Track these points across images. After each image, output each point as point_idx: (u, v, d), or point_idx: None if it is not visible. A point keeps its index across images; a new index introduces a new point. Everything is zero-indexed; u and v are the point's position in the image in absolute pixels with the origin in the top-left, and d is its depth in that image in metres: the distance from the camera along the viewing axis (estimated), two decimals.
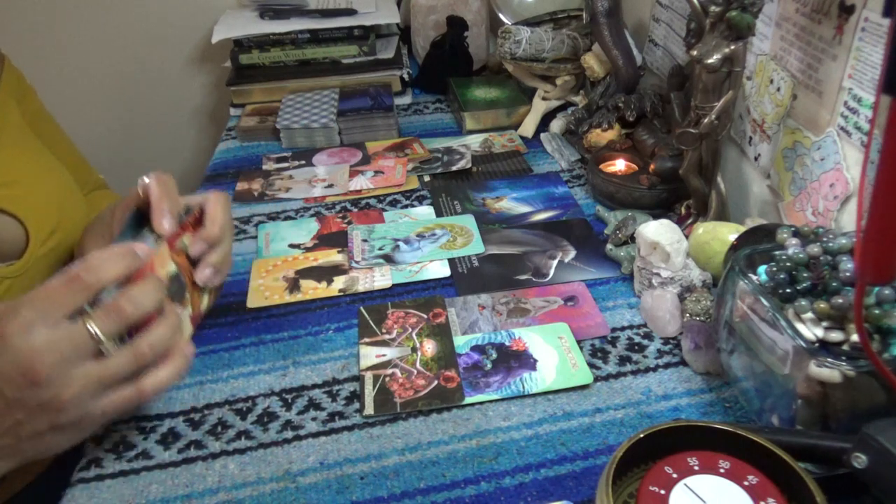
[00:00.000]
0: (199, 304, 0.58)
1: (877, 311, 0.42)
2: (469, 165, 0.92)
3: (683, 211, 0.76)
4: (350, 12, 1.12)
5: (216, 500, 0.49)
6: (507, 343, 0.62)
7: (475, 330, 0.64)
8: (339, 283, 0.71)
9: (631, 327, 0.64)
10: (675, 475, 0.41)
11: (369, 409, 0.56)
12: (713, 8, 0.62)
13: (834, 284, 0.44)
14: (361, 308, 0.67)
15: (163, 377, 0.48)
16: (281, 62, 1.12)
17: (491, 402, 0.56)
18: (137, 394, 0.47)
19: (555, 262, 0.72)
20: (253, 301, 0.68)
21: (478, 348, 0.61)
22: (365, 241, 0.77)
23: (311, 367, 0.61)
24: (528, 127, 1.01)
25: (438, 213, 0.82)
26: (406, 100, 1.14)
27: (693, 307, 0.61)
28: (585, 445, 0.52)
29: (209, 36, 1.12)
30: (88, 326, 0.45)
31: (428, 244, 0.76)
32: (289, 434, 0.54)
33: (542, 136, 0.99)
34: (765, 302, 0.46)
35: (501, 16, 1.18)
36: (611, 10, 0.88)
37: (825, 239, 0.46)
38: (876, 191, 0.33)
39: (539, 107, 1.01)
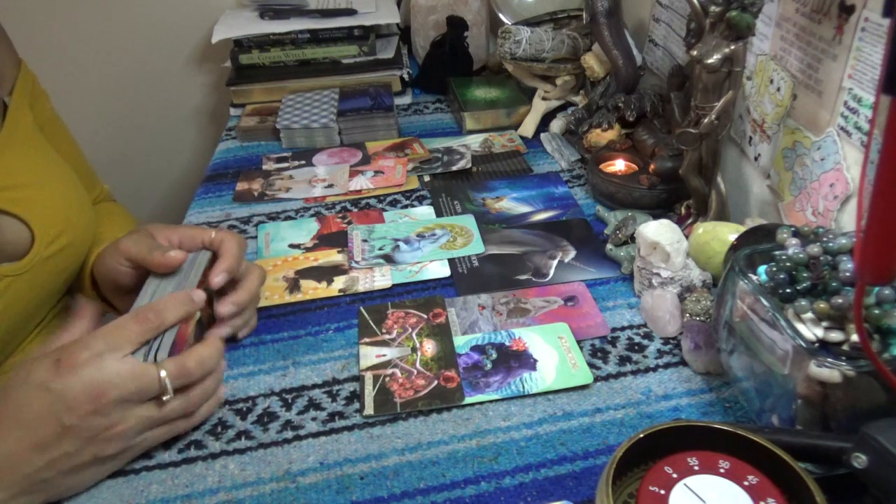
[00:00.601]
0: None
1: (877, 311, 0.42)
2: (469, 165, 0.92)
3: (683, 211, 0.76)
4: (350, 12, 1.12)
5: (216, 500, 0.49)
6: (507, 343, 0.62)
7: (475, 330, 0.64)
8: (339, 283, 0.71)
9: (631, 327, 0.64)
10: (675, 475, 0.41)
11: (369, 409, 0.56)
12: (713, 8, 0.62)
13: (834, 284, 0.44)
14: (361, 308, 0.67)
15: (201, 416, 0.54)
16: (281, 62, 1.12)
17: (491, 402, 0.56)
18: (172, 431, 0.53)
19: (555, 262, 0.72)
20: None
21: (478, 348, 0.61)
22: (365, 241, 0.77)
23: (311, 367, 0.61)
24: (528, 127, 1.01)
25: (438, 213, 0.82)
26: (406, 100, 1.14)
27: (693, 307, 0.61)
28: (585, 445, 0.52)
29: (209, 36, 1.12)
30: (161, 374, 0.49)
31: (428, 244, 0.76)
32: (289, 434, 0.54)
33: (542, 136, 0.99)
34: (765, 302, 0.46)
35: (501, 16, 1.18)
36: (611, 10, 0.88)
37: (825, 239, 0.46)
38: (876, 191, 0.33)
39: (539, 107, 1.01)
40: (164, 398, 0.49)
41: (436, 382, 0.58)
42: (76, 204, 0.69)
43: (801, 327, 0.44)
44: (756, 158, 0.73)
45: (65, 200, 0.67)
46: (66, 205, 0.67)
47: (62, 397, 0.45)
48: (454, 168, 0.92)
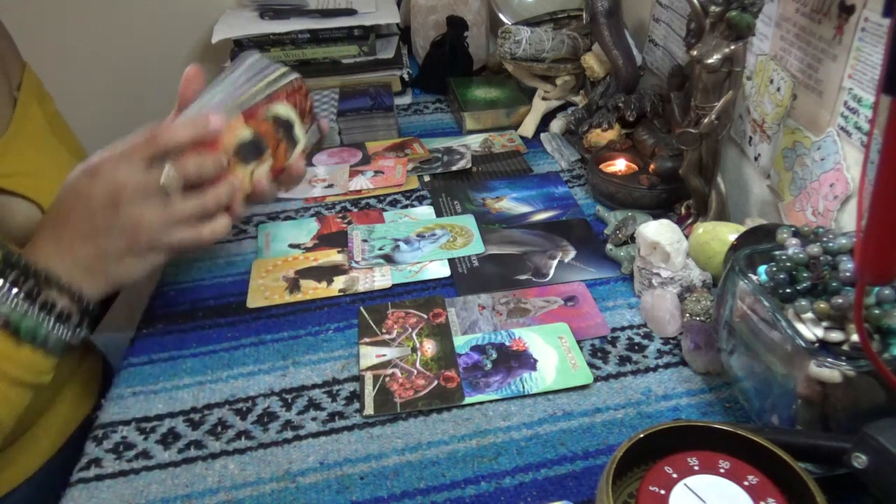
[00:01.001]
0: (286, 157, 0.66)
1: (877, 311, 0.42)
2: (469, 165, 0.92)
3: (683, 211, 0.76)
4: (350, 12, 1.12)
5: (216, 500, 0.49)
6: (507, 343, 0.62)
7: (475, 330, 0.64)
8: (339, 283, 0.71)
9: (631, 327, 0.64)
10: (675, 475, 0.41)
11: (369, 409, 0.56)
12: (713, 8, 0.62)
13: (834, 284, 0.44)
14: (361, 308, 0.67)
15: (218, 226, 0.61)
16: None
17: (491, 402, 0.56)
18: (198, 234, 0.60)
19: (555, 262, 0.72)
20: (253, 301, 0.69)
21: (478, 348, 0.61)
22: (365, 241, 0.77)
23: (311, 367, 0.61)
24: (528, 127, 1.01)
25: (438, 213, 0.82)
26: (406, 100, 1.14)
27: (693, 307, 0.61)
28: (585, 445, 0.52)
29: (209, 36, 1.12)
30: (162, 175, 0.57)
31: (428, 244, 0.76)
32: (289, 434, 0.54)
33: (542, 136, 0.99)
34: (765, 302, 0.46)
35: (501, 16, 1.18)
36: (611, 10, 0.88)
37: (825, 239, 0.46)
38: (876, 191, 0.33)
39: (539, 107, 1.01)
40: (169, 195, 0.57)
41: (436, 382, 0.58)
42: None
43: (801, 327, 0.44)
44: (756, 158, 0.73)
45: None
46: None
47: (91, 198, 0.57)
48: (454, 168, 0.92)
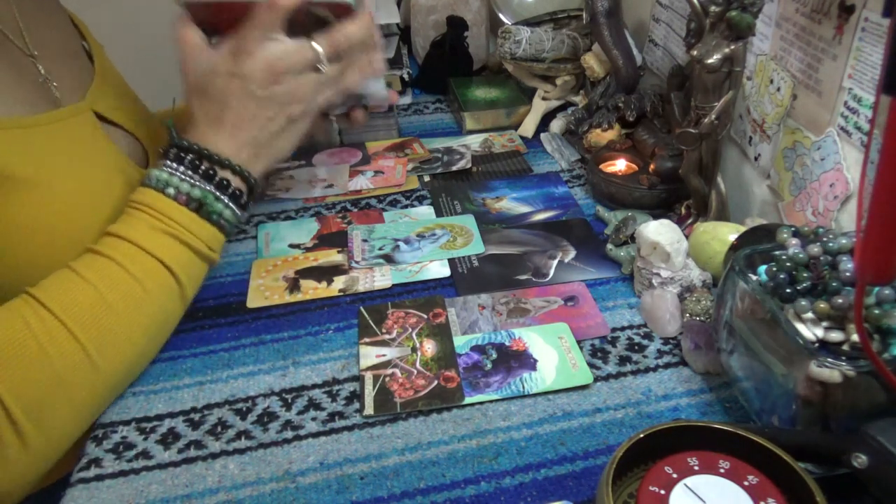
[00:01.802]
0: None
1: (877, 312, 0.42)
2: (469, 165, 0.92)
3: (683, 211, 0.76)
4: None
5: (216, 500, 0.49)
6: (507, 343, 0.62)
7: (475, 330, 0.64)
8: (339, 283, 0.71)
9: (631, 327, 0.64)
10: (675, 475, 0.41)
11: (369, 409, 0.56)
12: (713, 8, 0.62)
13: (834, 284, 0.44)
14: (361, 308, 0.67)
15: (353, 77, 0.67)
16: None
17: (491, 402, 0.56)
18: (339, 90, 0.67)
19: (555, 262, 0.72)
20: (253, 301, 0.69)
21: (478, 348, 0.61)
22: (365, 241, 0.77)
23: (311, 367, 0.61)
24: (528, 127, 1.01)
25: (438, 213, 0.82)
26: (406, 100, 1.14)
27: (693, 307, 0.61)
28: (585, 445, 0.52)
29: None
30: (314, 45, 0.62)
31: (428, 244, 0.76)
32: (289, 434, 0.54)
33: (542, 136, 0.99)
34: (765, 302, 0.46)
35: (501, 16, 1.18)
36: (611, 11, 0.88)
37: (825, 239, 0.46)
38: (876, 191, 0.33)
39: (539, 107, 1.01)
40: (320, 66, 0.63)
41: (436, 382, 0.58)
42: (157, 123, 0.80)
43: (801, 327, 0.44)
44: (756, 158, 0.73)
45: (152, 121, 0.79)
46: (155, 125, 0.78)
47: (248, 77, 0.60)
48: (454, 168, 0.92)
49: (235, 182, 0.63)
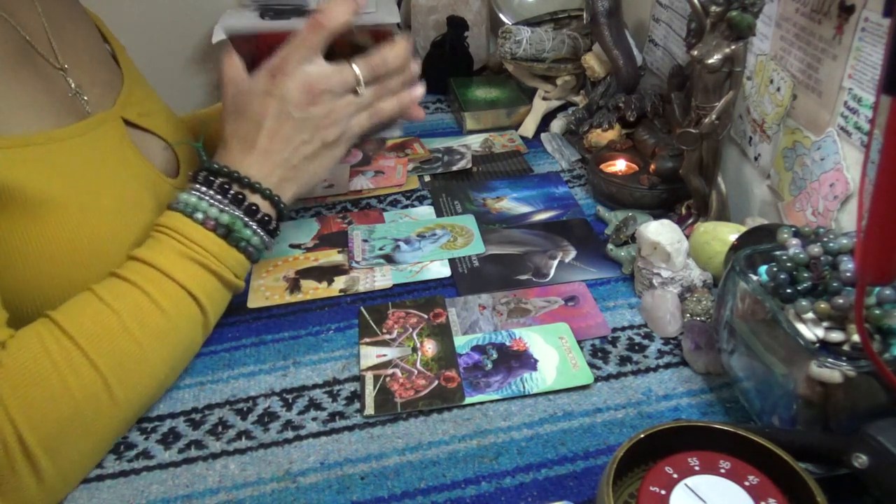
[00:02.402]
0: None
1: (877, 312, 0.42)
2: (469, 165, 0.92)
3: (684, 211, 0.76)
4: None
5: (217, 500, 0.49)
6: (507, 343, 0.62)
7: (475, 330, 0.64)
8: (340, 283, 0.71)
9: (631, 327, 0.64)
10: (675, 475, 0.41)
11: (370, 409, 0.56)
12: (714, 8, 0.62)
13: (834, 284, 0.44)
14: (362, 308, 0.67)
15: (393, 105, 0.67)
16: None
17: (491, 402, 0.56)
18: (374, 114, 0.66)
19: (555, 263, 0.73)
20: (253, 301, 0.69)
21: (478, 348, 0.61)
22: (365, 241, 0.77)
23: (312, 367, 0.61)
24: (529, 127, 1.01)
25: (439, 213, 0.82)
26: None
27: (694, 307, 0.61)
28: (586, 445, 0.52)
29: (209, 36, 1.12)
30: (353, 67, 0.62)
31: (428, 244, 0.76)
32: (289, 434, 0.54)
33: (543, 136, 0.99)
34: (765, 302, 0.46)
35: (502, 16, 1.18)
36: (611, 10, 0.88)
37: (825, 239, 0.46)
38: (876, 191, 0.33)
39: (539, 107, 1.01)
40: (359, 89, 0.63)
41: (436, 382, 0.58)
42: (182, 125, 0.79)
43: (801, 327, 0.44)
44: (756, 158, 0.73)
45: (179, 124, 0.77)
46: (181, 129, 0.77)
47: (285, 98, 0.60)
48: (454, 168, 0.92)
49: (265, 207, 0.61)
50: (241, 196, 0.60)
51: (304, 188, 0.65)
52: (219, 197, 0.59)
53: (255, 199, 0.61)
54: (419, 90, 0.69)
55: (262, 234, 0.61)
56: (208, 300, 0.58)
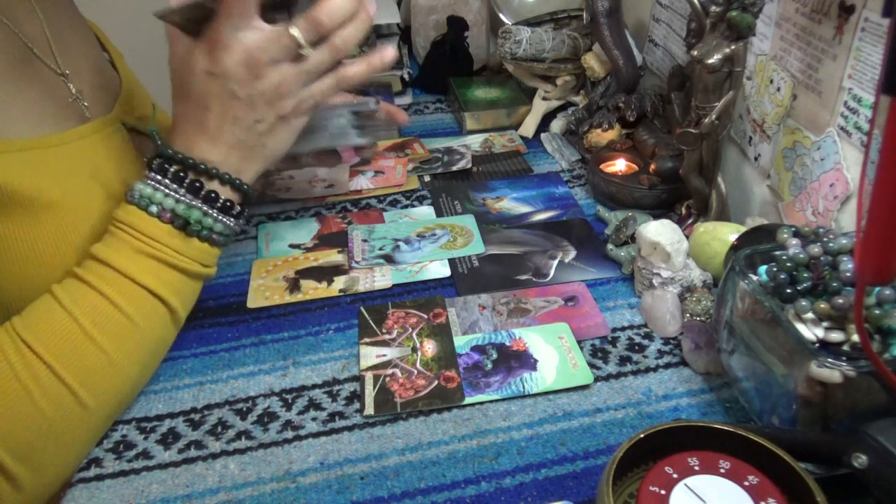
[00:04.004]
0: None
1: (877, 312, 0.42)
2: (469, 165, 0.92)
3: (684, 211, 0.76)
4: None
5: (216, 500, 0.49)
6: (507, 343, 0.62)
7: (475, 330, 0.64)
8: (340, 283, 0.71)
9: (631, 327, 0.64)
10: (675, 475, 0.41)
11: (369, 409, 0.56)
12: (714, 8, 0.62)
13: (834, 285, 0.44)
14: (362, 308, 0.67)
15: (360, 69, 0.60)
16: None
17: (491, 402, 0.56)
18: (339, 79, 0.60)
19: (555, 263, 0.72)
20: (253, 301, 0.69)
21: (478, 348, 0.61)
22: (365, 241, 0.77)
23: (312, 367, 0.61)
24: (529, 127, 1.01)
25: (439, 214, 0.82)
26: (406, 100, 1.14)
27: (693, 307, 0.61)
28: (586, 445, 0.52)
29: None
30: (291, 31, 0.55)
31: (428, 244, 0.76)
32: (289, 434, 0.54)
33: (543, 136, 0.99)
34: (765, 302, 0.46)
35: (501, 16, 1.18)
36: (611, 10, 0.88)
37: (825, 239, 0.46)
38: (876, 191, 0.33)
39: (539, 107, 1.01)
40: (302, 52, 0.56)
41: (436, 382, 0.58)
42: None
43: (801, 328, 0.44)
44: (756, 158, 0.73)
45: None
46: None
47: (227, 76, 0.55)
48: (454, 168, 0.92)
49: (225, 193, 0.59)
50: (198, 184, 0.57)
51: (267, 163, 0.61)
52: (174, 186, 0.56)
53: (213, 185, 0.58)
54: (389, 51, 0.61)
55: (224, 220, 0.58)
56: (173, 295, 0.56)
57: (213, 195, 0.58)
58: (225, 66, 0.55)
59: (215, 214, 0.58)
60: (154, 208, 0.55)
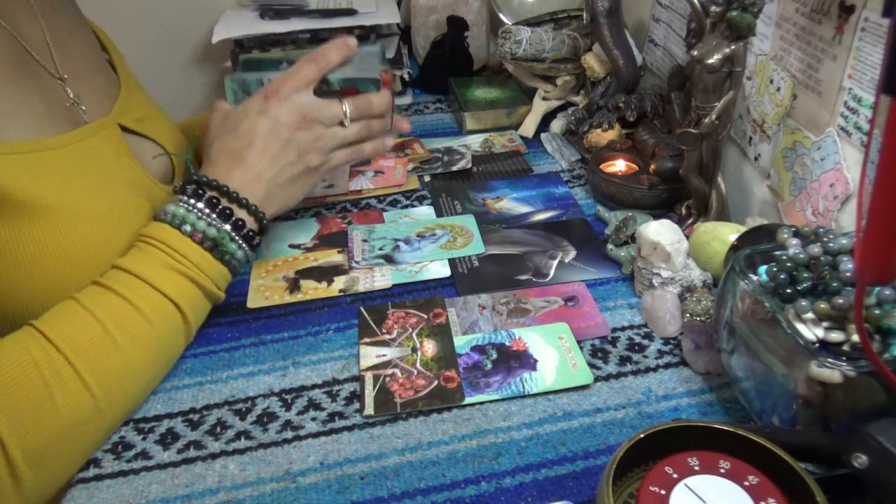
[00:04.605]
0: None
1: (877, 312, 0.42)
2: (469, 165, 0.92)
3: (684, 211, 0.76)
4: (350, 12, 1.12)
5: (216, 501, 0.49)
6: (507, 343, 0.62)
7: (475, 330, 0.64)
8: (340, 283, 0.71)
9: (631, 327, 0.64)
10: (675, 475, 0.41)
11: (369, 410, 0.56)
12: (714, 8, 0.62)
13: (834, 285, 0.44)
14: (361, 308, 0.67)
15: (373, 146, 0.72)
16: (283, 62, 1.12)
17: (491, 402, 0.56)
18: (356, 152, 0.71)
19: (555, 263, 0.72)
20: (253, 301, 0.68)
21: (478, 348, 0.61)
22: (365, 241, 0.77)
23: (311, 367, 0.61)
24: (529, 127, 1.01)
25: (438, 214, 0.82)
26: (406, 100, 1.14)
27: (693, 307, 0.61)
28: (586, 445, 0.52)
29: (209, 36, 1.12)
30: (343, 104, 0.67)
31: (428, 244, 0.76)
32: (289, 434, 0.54)
33: (543, 136, 0.99)
34: (765, 302, 0.46)
35: (501, 16, 1.18)
36: (611, 10, 0.88)
37: (825, 239, 0.46)
38: (876, 191, 0.33)
39: (539, 107, 1.01)
40: (345, 121, 0.68)
41: (436, 382, 0.58)
42: (178, 131, 0.81)
43: (801, 327, 0.44)
44: (756, 158, 0.73)
45: (175, 129, 0.79)
46: (178, 134, 0.79)
47: (278, 119, 0.64)
48: (454, 168, 0.92)
49: (250, 223, 0.63)
50: (228, 211, 0.61)
51: (281, 209, 0.67)
52: (207, 210, 0.60)
53: (241, 213, 0.63)
54: (390, 141, 0.74)
55: (245, 248, 0.63)
56: (191, 309, 0.59)
57: (240, 223, 0.62)
58: (279, 111, 0.64)
59: (239, 241, 0.62)
60: (188, 227, 0.59)
